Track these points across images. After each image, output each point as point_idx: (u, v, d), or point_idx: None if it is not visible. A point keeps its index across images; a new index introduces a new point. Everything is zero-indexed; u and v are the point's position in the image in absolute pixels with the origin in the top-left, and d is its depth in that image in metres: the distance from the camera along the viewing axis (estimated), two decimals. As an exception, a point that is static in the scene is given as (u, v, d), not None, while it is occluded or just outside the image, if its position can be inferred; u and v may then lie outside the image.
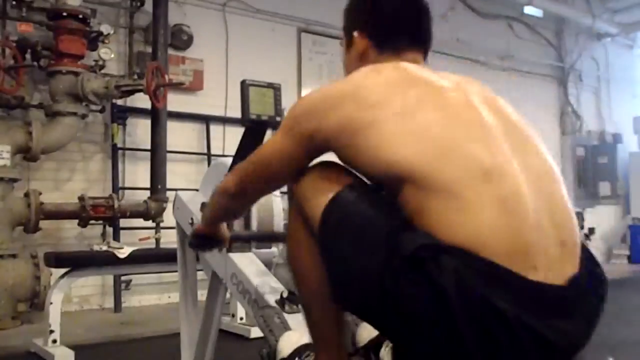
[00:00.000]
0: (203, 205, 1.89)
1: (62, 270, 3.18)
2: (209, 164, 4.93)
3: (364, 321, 1.34)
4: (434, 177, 1.02)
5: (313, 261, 1.18)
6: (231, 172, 1.39)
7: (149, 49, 4.73)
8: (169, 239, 3.94)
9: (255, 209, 1.85)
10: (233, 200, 1.36)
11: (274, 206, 1.94)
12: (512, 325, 0.93)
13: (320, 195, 1.14)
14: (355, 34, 1.33)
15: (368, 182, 1.16)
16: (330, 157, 1.20)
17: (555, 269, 1.00)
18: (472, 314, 0.93)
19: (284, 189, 1.34)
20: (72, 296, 4.36)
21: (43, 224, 3.97)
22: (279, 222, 1.95)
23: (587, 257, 1.08)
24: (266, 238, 1.87)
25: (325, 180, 1.18)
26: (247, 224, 1.82)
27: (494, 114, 1.13)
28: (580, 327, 1.02)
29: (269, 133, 1.61)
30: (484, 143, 1.06)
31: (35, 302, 3.74)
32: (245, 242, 1.78)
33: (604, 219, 8.28)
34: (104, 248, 3.57)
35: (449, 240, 0.98)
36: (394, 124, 1.08)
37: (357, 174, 1.17)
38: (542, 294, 0.97)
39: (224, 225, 1.57)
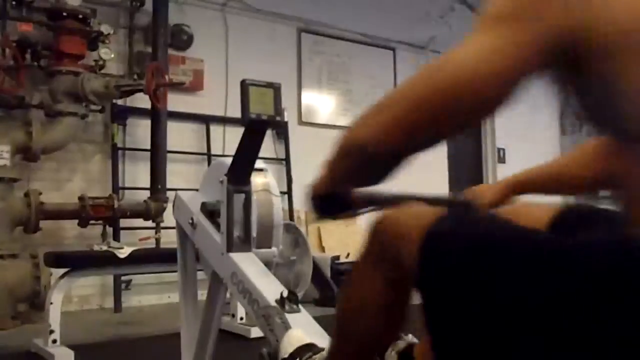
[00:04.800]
0: (203, 205, 1.89)
1: (62, 270, 3.19)
2: (209, 164, 4.94)
3: None
4: None
5: (376, 316, 0.95)
6: (374, 108, 0.82)
7: (149, 49, 4.74)
8: (169, 239, 3.94)
9: (254, 207, 1.84)
10: (384, 154, 0.82)
11: (274, 203, 1.94)
12: None
13: (411, 230, 0.83)
14: None
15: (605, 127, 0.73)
16: None
17: None
18: None
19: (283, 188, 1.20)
20: (72, 296, 4.36)
21: (43, 224, 3.97)
22: (279, 220, 1.95)
23: None
24: (410, 198, 1.37)
25: (414, 213, 0.88)
26: (247, 222, 1.81)
27: None
28: None
29: (269, 133, 1.61)
30: None
31: (35, 302, 3.73)
32: (383, 205, 1.27)
33: (603, 219, 8.28)
34: (104, 248, 3.57)
35: None
36: None
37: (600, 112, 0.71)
38: None
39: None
